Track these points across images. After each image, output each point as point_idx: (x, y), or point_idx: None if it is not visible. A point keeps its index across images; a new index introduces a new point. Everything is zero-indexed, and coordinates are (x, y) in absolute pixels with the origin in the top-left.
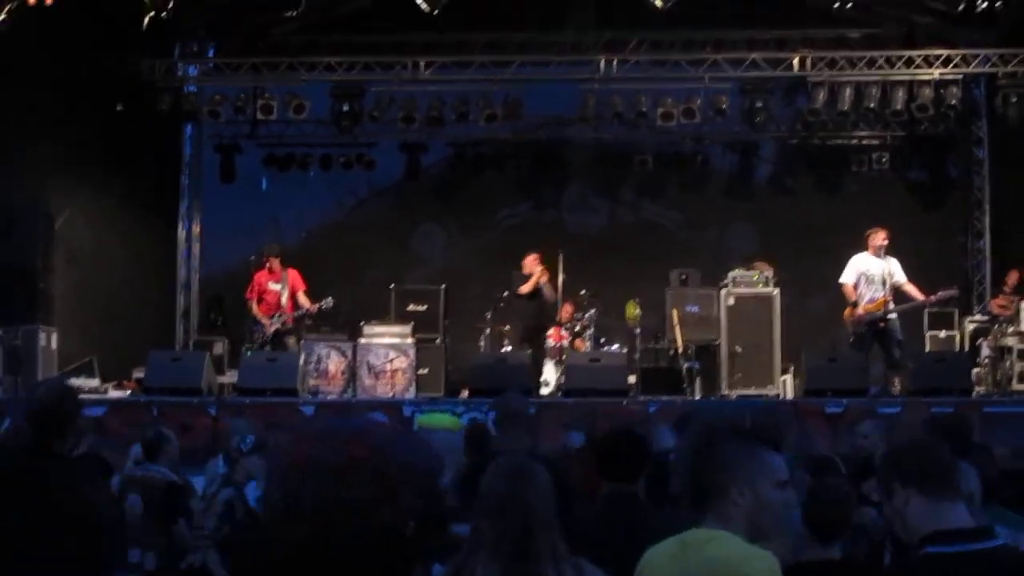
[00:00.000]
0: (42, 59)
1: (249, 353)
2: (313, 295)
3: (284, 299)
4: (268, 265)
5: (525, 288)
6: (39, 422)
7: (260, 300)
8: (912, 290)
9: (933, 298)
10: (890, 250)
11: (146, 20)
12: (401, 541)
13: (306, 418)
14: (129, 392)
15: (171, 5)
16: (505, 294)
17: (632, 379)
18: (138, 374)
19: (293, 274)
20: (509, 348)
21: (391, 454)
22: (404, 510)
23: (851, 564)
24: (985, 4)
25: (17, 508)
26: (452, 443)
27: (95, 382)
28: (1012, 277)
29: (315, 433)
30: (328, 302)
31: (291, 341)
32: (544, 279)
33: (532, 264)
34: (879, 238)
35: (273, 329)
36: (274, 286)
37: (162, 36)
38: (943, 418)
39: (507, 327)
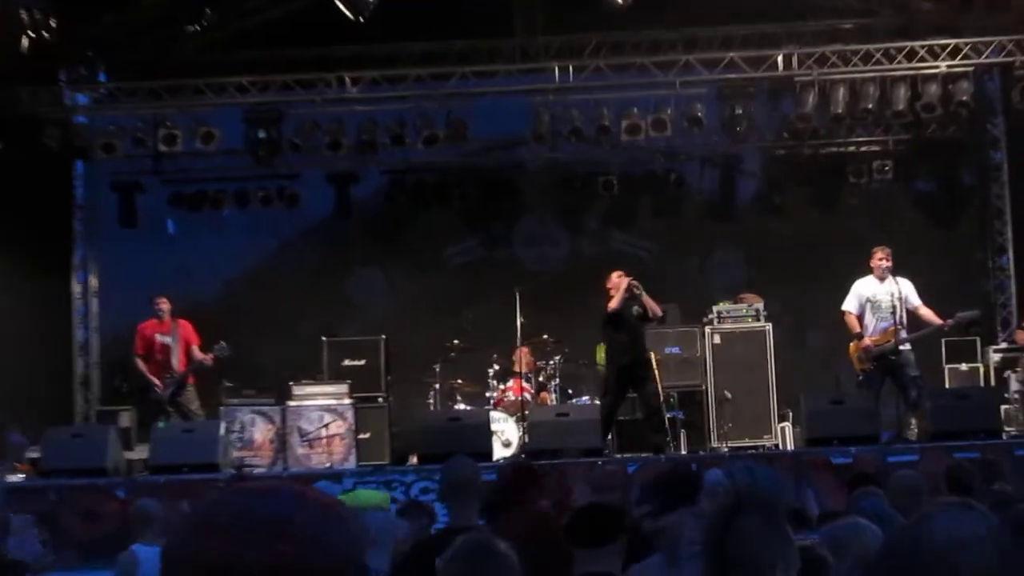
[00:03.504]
0: None
1: (162, 425)
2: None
3: (176, 356)
4: (157, 309)
5: (614, 303)
6: None
7: (148, 357)
8: (928, 314)
9: (951, 321)
10: (897, 272)
11: (24, 43)
12: None
13: (211, 495)
14: (23, 476)
15: (53, 25)
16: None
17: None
18: (32, 454)
19: (185, 326)
20: (462, 405)
21: (325, 548)
22: None
23: None
24: None
25: None
26: (384, 522)
27: None
28: None
29: (227, 520)
30: (223, 348)
31: (194, 406)
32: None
33: (616, 280)
34: (877, 258)
35: (169, 392)
36: (163, 339)
37: (45, 60)
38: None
39: (459, 381)
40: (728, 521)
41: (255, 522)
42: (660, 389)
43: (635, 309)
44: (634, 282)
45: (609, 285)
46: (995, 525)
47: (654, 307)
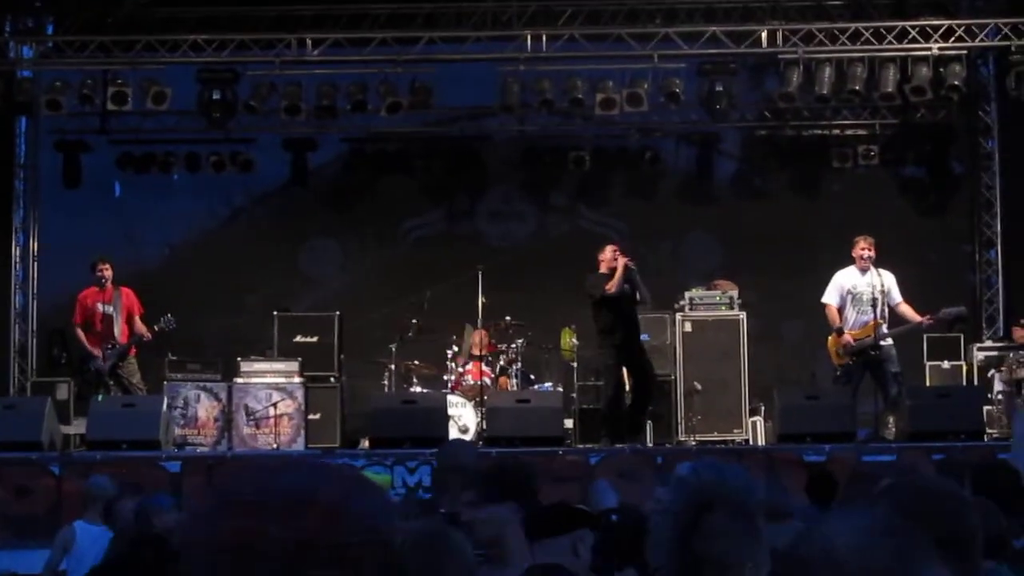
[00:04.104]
0: None
1: (100, 398)
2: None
3: (118, 325)
4: (99, 275)
5: (612, 284)
6: None
7: (88, 327)
8: (908, 311)
9: (929, 318)
10: (880, 262)
11: None
12: None
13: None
14: None
15: None
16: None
17: (569, 424)
18: None
19: (128, 294)
20: (418, 388)
21: (350, 521)
22: None
23: None
24: None
25: None
26: None
27: None
28: None
29: (249, 495)
30: (169, 321)
31: (135, 379)
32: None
33: (612, 255)
34: (859, 247)
35: (109, 364)
36: (104, 308)
37: None
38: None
39: (415, 362)
40: (696, 517)
41: (278, 497)
42: (627, 378)
43: (626, 287)
44: (630, 263)
45: (601, 258)
46: (889, 524)
47: (644, 291)
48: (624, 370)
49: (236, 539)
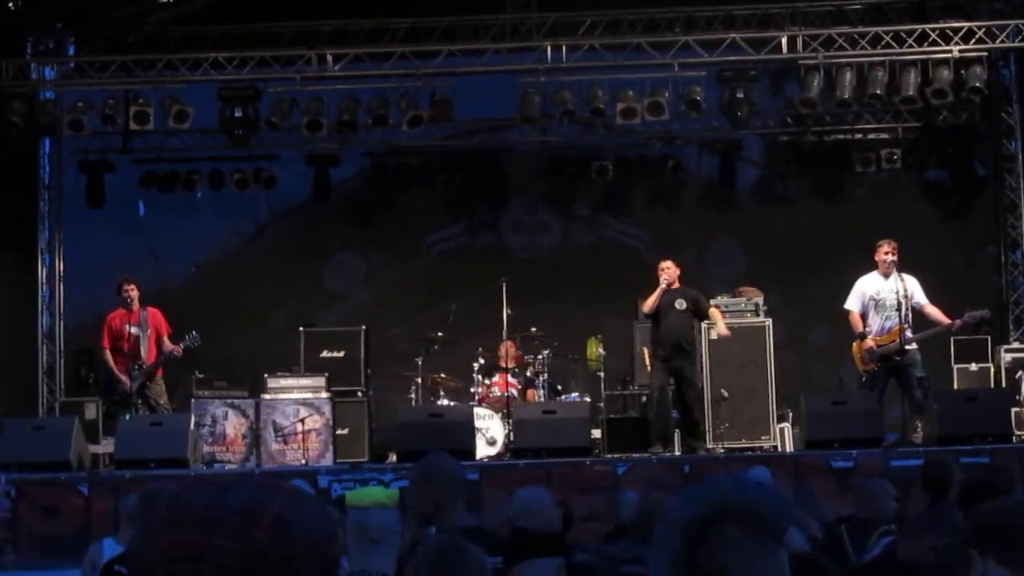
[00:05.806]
0: None
1: (128, 417)
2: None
3: (145, 346)
4: (125, 295)
5: (647, 303)
6: None
7: (116, 348)
8: (935, 312)
9: (959, 321)
10: (905, 266)
11: None
12: None
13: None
14: None
15: None
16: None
17: (596, 434)
18: None
19: (155, 315)
20: (445, 401)
21: (295, 533)
22: None
23: None
24: None
25: None
26: (388, 521)
27: None
28: None
29: (200, 511)
30: (194, 338)
31: (163, 400)
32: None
33: (662, 271)
34: (883, 252)
35: (137, 385)
36: (132, 329)
37: (10, 30)
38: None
39: (442, 375)
40: (705, 529)
41: (226, 511)
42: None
43: (678, 302)
44: (664, 282)
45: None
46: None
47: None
48: (666, 377)
49: (191, 551)
